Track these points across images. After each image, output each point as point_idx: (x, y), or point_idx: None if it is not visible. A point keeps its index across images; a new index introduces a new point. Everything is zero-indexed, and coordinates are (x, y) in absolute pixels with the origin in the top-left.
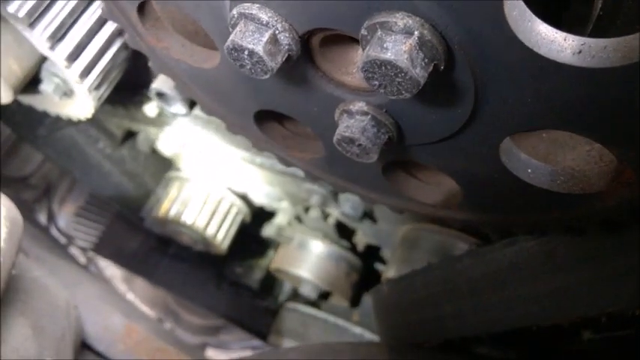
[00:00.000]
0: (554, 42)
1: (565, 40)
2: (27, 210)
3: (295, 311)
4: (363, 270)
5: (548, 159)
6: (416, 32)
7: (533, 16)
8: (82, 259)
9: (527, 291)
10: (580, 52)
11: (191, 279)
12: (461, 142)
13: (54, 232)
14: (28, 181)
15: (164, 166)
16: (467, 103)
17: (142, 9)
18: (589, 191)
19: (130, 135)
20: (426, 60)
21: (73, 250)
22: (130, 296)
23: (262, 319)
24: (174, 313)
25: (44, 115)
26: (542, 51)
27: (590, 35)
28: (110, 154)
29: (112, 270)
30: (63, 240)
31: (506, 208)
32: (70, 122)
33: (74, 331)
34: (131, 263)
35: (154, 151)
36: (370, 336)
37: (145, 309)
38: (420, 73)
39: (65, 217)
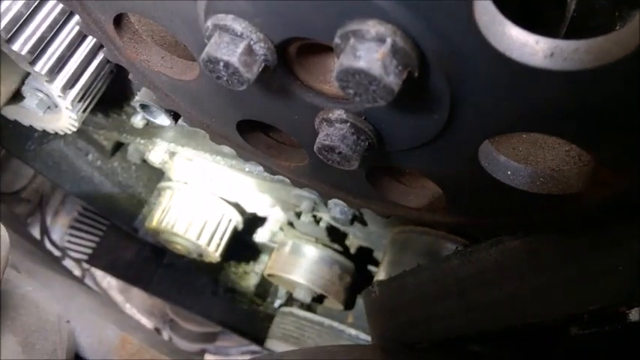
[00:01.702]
0: (526, 45)
1: (537, 43)
2: (20, 224)
3: (291, 315)
4: (356, 272)
5: (528, 160)
6: (388, 39)
7: (505, 19)
8: (78, 272)
9: (512, 290)
10: (552, 54)
11: (187, 287)
12: (440, 146)
13: (48, 245)
14: (21, 195)
15: (156, 175)
16: (443, 109)
17: (118, 22)
18: (568, 192)
19: (120, 146)
20: (400, 67)
21: (68, 263)
22: (127, 307)
23: (259, 324)
24: (172, 321)
25: (31, 130)
26: (515, 55)
27: (565, 37)
28: (101, 166)
29: (108, 280)
30: (57, 253)
31: (490, 210)
32: (57, 136)
33: (66, 346)
34: (127, 273)
35: (145, 162)
36: (365, 337)
37: (142, 319)
38: (393, 81)
39: (59, 229)
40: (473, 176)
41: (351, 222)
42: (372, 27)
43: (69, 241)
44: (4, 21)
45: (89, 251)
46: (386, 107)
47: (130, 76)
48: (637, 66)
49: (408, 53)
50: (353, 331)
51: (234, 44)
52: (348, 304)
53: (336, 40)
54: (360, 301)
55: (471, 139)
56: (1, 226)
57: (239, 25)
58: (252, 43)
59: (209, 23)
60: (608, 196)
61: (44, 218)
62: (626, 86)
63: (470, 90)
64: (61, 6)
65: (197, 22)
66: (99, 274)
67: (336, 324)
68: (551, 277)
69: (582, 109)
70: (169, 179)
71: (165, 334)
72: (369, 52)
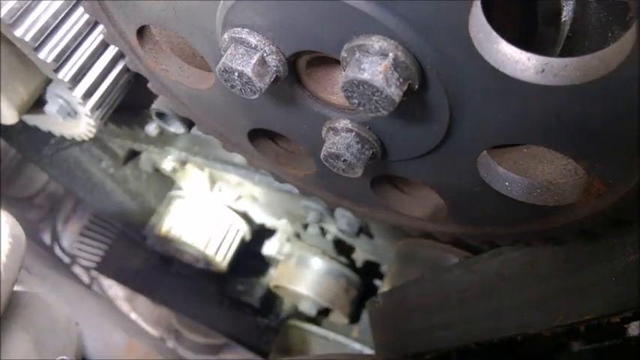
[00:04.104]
0: (518, 62)
1: (529, 59)
2: (31, 229)
3: (296, 328)
4: (362, 286)
5: (528, 173)
6: (390, 54)
7: (499, 37)
8: (86, 279)
9: (511, 300)
10: (543, 70)
11: (193, 297)
12: (440, 157)
13: (58, 251)
14: (33, 200)
15: (166, 184)
16: (442, 120)
17: (140, 33)
18: (563, 203)
19: (133, 155)
20: (401, 80)
21: (77, 270)
22: (133, 315)
23: (264, 337)
24: (177, 331)
25: (48, 135)
26: (508, 70)
27: (561, 55)
28: (113, 173)
29: (115, 289)
30: (66, 259)
31: (489, 221)
32: (73, 142)
33: (75, 348)
34: (134, 282)
35: (157, 170)
36: (370, 352)
37: (148, 328)
38: (395, 92)
39: (69, 236)
40: (472, 186)
41: (358, 234)
42: (376, 42)
43: (78, 249)
44: (33, 30)
45: (98, 259)
46: (388, 117)
47: (149, 85)
48: (620, 82)
49: (408, 67)
50: (358, 346)
51: (249, 56)
52: (354, 318)
53: (343, 53)
54: (365, 315)
55: (470, 150)
56: (18, 225)
57: (253, 39)
58: (265, 55)
59: (226, 36)
60: (602, 208)
61: (55, 224)
62: (611, 101)
63: (467, 102)
64: (86, 16)
65: (214, 35)
66: (106, 282)
67: (341, 338)
68: (548, 287)
69: (571, 121)
70: (179, 188)
71: (170, 344)
72: (373, 65)
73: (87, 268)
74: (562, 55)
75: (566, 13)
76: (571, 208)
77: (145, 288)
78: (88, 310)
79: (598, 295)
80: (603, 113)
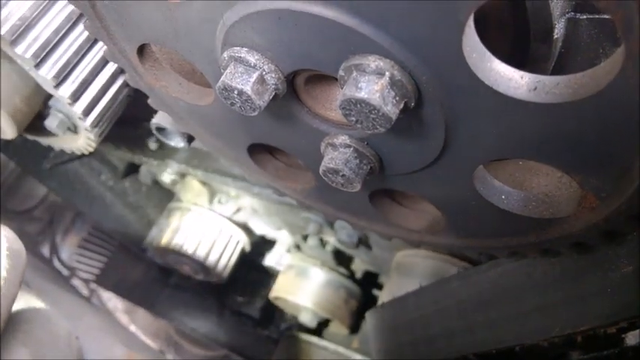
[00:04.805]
0: (511, 80)
1: (522, 78)
2: (30, 243)
3: (296, 339)
4: (361, 297)
5: (524, 185)
6: (387, 73)
7: (492, 56)
8: (85, 291)
9: (509, 311)
10: (535, 88)
11: (193, 309)
12: (437, 171)
13: (57, 264)
14: (32, 213)
15: (165, 196)
16: (438, 136)
17: (141, 51)
18: (558, 215)
19: (133, 168)
20: (397, 98)
21: (76, 282)
22: (132, 328)
23: (264, 348)
24: (176, 344)
25: (48, 149)
26: (501, 88)
27: (554, 71)
28: (112, 186)
29: (114, 302)
30: (66, 272)
31: (487, 233)
32: (73, 156)
33: None
34: (133, 294)
35: (156, 183)
36: None
37: (147, 341)
38: (391, 110)
39: (68, 249)
40: (469, 200)
41: (357, 245)
42: (373, 62)
43: (77, 261)
44: (34, 47)
45: (97, 271)
46: (386, 134)
47: (149, 101)
48: (610, 100)
49: (404, 86)
50: (358, 357)
51: (248, 74)
52: (354, 329)
53: (341, 72)
54: (365, 326)
55: (466, 165)
56: (18, 240)
57: (252, 57)
58: (264, 73)
59: (225, 55)
60: (595, 221)
61: (54, 237)
62: (602, 118)
63: (462, 119)
64: (86, 33)
65: (214, 53)
66: (105, 294)
67: (341, 349)
68: (545, 299)
69: (564, 137)
70: (179, 200)
71: (170, 357)
72: (370, 84)
73: (86, 281)
74: (555, 71)
75: (558, 30)
76: (566, 220)
77: (145, 300)
78: (87, 324)
79: (594, 305)
80: (595, 129)
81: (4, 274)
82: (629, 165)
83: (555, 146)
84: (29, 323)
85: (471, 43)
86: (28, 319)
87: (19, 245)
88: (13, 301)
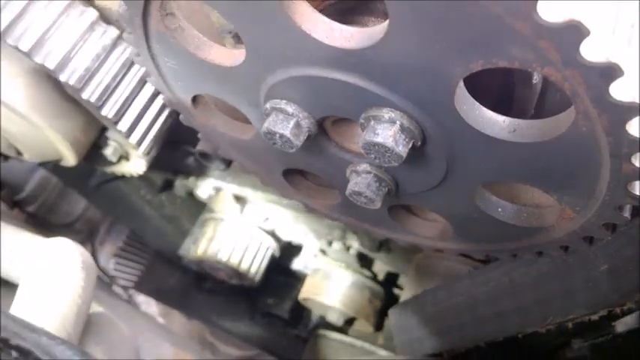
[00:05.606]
0: (495, 124)
1: (504, 122)
2: None
3: (324, 337)
4: (384, 296)
5: (520, 197)
6: (398, 122)
7: (480, 106)
8: (124, 297)
9: (513, 304)
10: (514, 130)
11: (226, 311)
12: (442, 191)
13: (98, 272)
14: (74, 226)
15: (198, 207)
16: (441, 167)
17: (195, 98)
18: (545, 225)
19: (169, 182)
20: (407, 140)
21: (116, 289)
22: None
23: (294, 347)
24: (212, 344)
25: (92, 170)
26: (488, 131)
27: (535, 111)
28: (150, 199)
29: (148, 306)
30: (106, 279)
31: (488, 239)
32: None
33: None
34: (170, 299)
35: (190, 194)
36: (394, 357)
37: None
38: (402, 150)
39: (104, 258)
40: (471, 213)
41: (379, 249)
42: (386, 113)
43: (115, 269)
44: (98, 91)
45: (134, 279)
46: (399, 165)
47: (199, 135)
48: (571, 140)
49: (412, 130)
50: (384, 352)
51: (287, 121)
52: (378, 326)
53: (361, 120)
54: (388, 323)
55: (465, 186)
56: (89, 256)
57: (290, 108)
58: (299, 119)
59: (268, 105)
60: (573, 229)
61: (94, 247)
62: (566, 153)
63: (458, 154)
64: (138, 77)
65: (259, 104)
66: (140, 299)
67: (367, 345)
68: (540, 293)
69: (540, 167)
70: (212, 210)
71: (209, 356)
72: (385, 130)
73: (125, 288)
74: (536, 111)
75: (537, 75)
76: (551, 228)
77: (181, 304)
78: (139, 326)
79: (580, 298)
80: (561, 163)
81: (82, 283)
82: (593, 187)
83: (533, 173)
84: (97, 325)
85: (462, 98)
86: (97, 322)
87: (89, 259)
88: (89, 307)
